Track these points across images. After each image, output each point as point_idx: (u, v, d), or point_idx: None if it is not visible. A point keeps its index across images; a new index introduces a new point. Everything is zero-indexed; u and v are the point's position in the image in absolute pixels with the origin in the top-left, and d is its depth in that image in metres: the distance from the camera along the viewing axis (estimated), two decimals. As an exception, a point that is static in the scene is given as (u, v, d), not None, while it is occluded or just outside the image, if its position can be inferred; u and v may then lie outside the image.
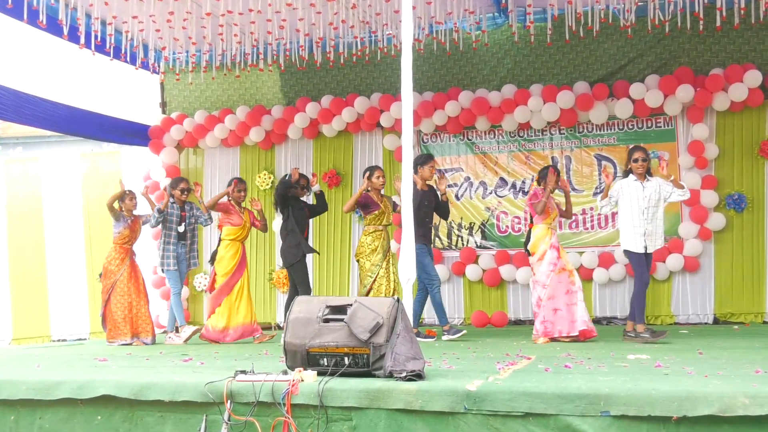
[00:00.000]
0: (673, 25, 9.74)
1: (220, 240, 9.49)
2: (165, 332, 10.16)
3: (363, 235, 9.11)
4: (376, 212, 9.02)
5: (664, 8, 9.43)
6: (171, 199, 9.68)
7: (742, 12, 9.24)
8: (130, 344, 9.31)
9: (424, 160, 8.93)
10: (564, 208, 8.61)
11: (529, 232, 8.54)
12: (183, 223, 9.71)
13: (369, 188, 9.00)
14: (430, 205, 8.85)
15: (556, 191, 8.47)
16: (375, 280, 8.86)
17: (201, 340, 9.32)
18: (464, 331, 8.76)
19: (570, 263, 8.30)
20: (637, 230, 7.68)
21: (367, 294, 8.75)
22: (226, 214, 9.40)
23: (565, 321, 7.98)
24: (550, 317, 8.04)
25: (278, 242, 11.84)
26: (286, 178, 9.57)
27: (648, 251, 7.73)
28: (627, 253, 7.88)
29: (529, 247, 8.45)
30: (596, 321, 9.99)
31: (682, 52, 10.60)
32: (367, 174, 9.08)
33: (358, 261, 9.17)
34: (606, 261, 10.66)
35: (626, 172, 7.89)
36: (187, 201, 9.89)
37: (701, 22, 9.26)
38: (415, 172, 8.67)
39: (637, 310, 7.69)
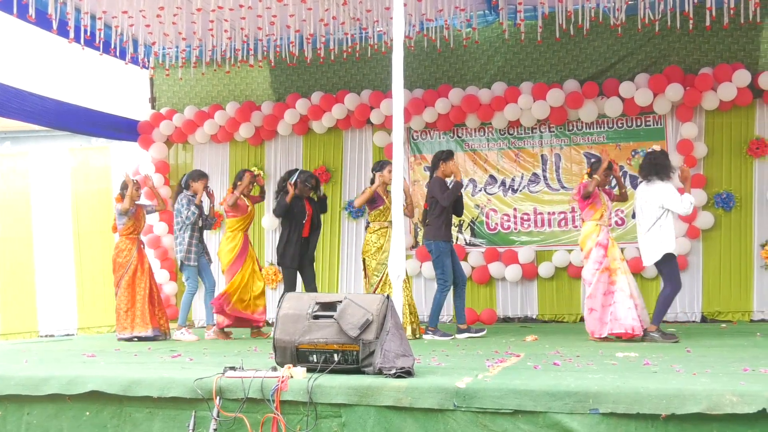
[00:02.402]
0: (663, 24, 9.76)
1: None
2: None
3: (368, 233, 8.86)
4: (381, 207, 8.79)
5: (654, 7, 9.45)
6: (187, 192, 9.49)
7: (732, 12, 9.26)
8: (130, 339, 9.24)
9: (447, 155, 8.80)
10: (619, 192, 8.53)
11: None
12: (201, 218, 9.56)
13: (386, 184, 8.71)
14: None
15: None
16: (381, 279, 8.62)
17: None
18: (452, 336, 8.55)
19: (618, 261, 7.95)
20: (674, 234, 7.69)
21: (374, 293, 8.56)
22: (234, 208, 9.40)
23: (597, 322, 7.80)
24: (586, 315, 7.94)
25: (268, 239, 11.93)
26: (308, 184, 9.45)
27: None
28: (670, 257, 7.65)
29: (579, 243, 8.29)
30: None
31: (671, 51, 10.63)
32: (383, 169, 8.78)
33: (363, 260, 8.90)
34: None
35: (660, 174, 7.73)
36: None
37: (691, 21, 9.32)
38: (437, 167, 8.73)
39: (662, 312, 7.66)
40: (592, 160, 8.99)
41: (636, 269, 10.36)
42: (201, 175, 9.70)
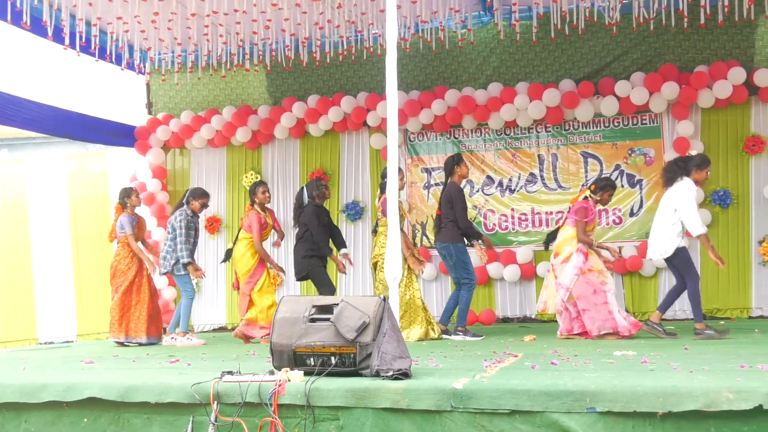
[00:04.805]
0: (657, 22, 9.76)
1: (237, 239, 9.37)
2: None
3: (379, 243, 8.67)
4: None
5: (649, 6, 9.47)
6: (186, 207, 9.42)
7: (726, 9, 9.29)
8: (123, 343, 9.26)
9: (459, 158, 8.80)
10: None
11: (556, 230, 8.47)
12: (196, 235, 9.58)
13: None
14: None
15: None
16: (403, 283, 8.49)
17: (234, 337, 9.28)
18: (482, 337, 8.46)
19: (600, 264, 8.06)
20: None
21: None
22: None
23: (595, 320, 7.84)
24: (582, 316, 7.95)
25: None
26: (322, 188, 9.32)
27: None
28: (684, 251, 7.72)
29: (554, 247, 8.32)
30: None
31: (666, 50, 10.64)
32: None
33: (374, 267, 8.82)
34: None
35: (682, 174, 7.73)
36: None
37: (685, 19, 9.31)
38: (452, 172, 8.71)
39: (697, 308, 7.62)
40: (602, 178, 8.85)
41: (635, 267, 10.40)
42: (202, 195, 9.59)
